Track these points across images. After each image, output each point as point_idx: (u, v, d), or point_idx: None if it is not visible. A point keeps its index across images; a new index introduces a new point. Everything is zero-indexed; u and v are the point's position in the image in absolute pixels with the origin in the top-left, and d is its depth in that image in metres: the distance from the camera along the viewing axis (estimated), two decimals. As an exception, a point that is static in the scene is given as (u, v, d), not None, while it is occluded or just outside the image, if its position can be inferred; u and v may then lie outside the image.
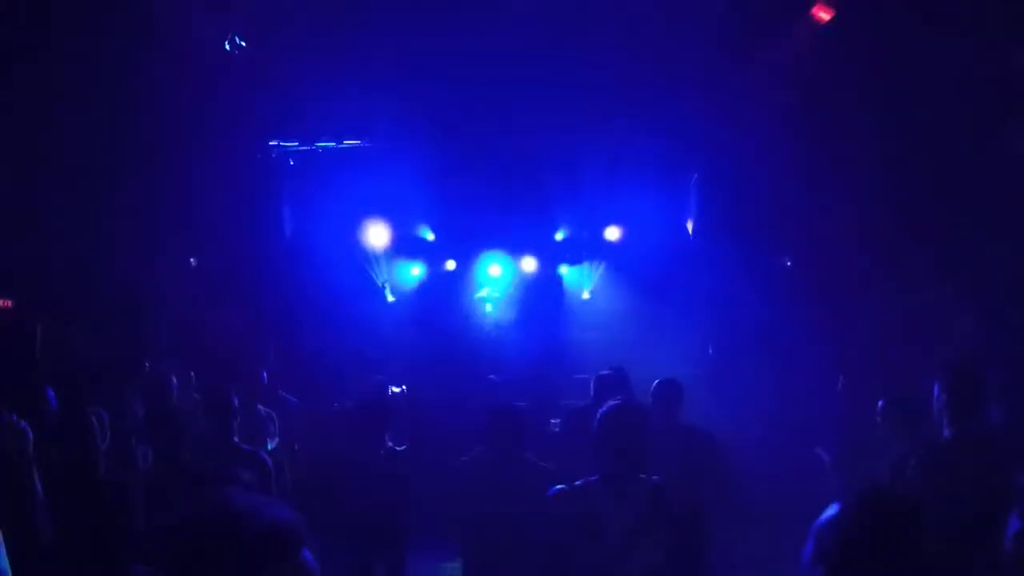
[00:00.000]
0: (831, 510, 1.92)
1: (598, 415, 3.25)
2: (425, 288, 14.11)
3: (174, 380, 6.81)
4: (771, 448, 7.83)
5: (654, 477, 3.19)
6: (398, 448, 5.40)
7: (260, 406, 6.98)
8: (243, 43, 8.10)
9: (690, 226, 11.69)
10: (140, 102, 8.40)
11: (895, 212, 9.25)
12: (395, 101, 9.69)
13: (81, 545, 3.41)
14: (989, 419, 4.16)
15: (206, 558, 1.45)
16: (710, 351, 11.32)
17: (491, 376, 9.36)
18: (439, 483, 5.21)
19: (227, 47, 8.09)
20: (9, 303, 8.87)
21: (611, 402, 3.30)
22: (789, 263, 10.89)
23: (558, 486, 3.21)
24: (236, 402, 4.52)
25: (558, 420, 7.42)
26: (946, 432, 4.00)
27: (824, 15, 8.26)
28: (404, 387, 7.74)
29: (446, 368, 11.52)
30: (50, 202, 8.57)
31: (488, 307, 13.89)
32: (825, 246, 10.21)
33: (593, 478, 3.19)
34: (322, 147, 11.53)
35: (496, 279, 13.86)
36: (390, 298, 14.09)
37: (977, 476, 3.67)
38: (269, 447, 6.63)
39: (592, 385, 6.48)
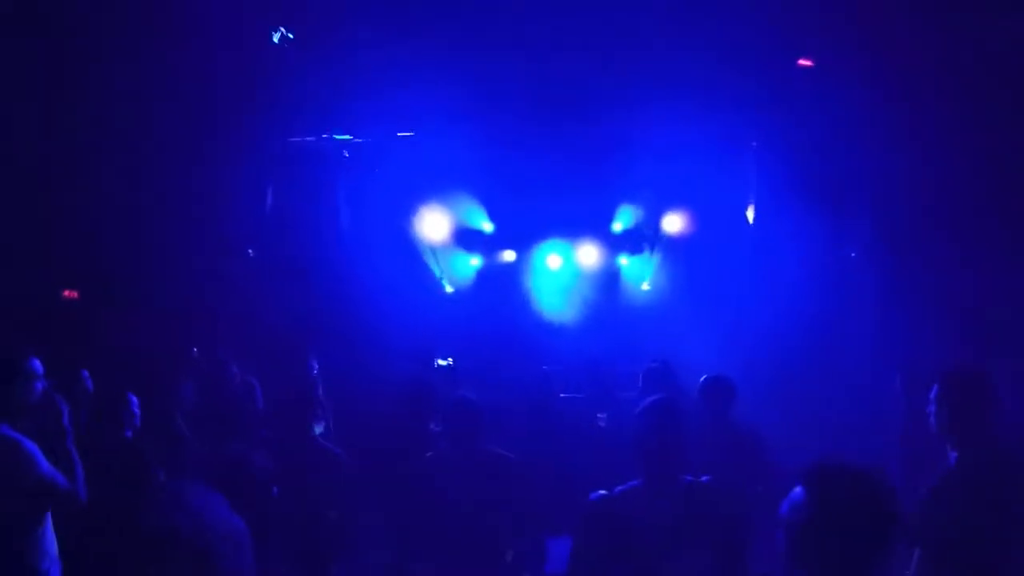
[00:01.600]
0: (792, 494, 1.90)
1: (636, 413, 3.13)
2: (483, 279, 14.08)
3: (234, 369, 6.89)
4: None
5: (703, 478, 3.07)
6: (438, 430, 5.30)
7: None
8: (291, 36, 8.15)
9: (750, 214, 11.28)
10: (194, 97, 8.54)
11: (975, 197, 8.72)
12: (449, 88, 9.62)
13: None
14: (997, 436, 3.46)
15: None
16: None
17: (544, 366, 9.28)
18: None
19: (276, 40, 8.15)
20: (76, 294, 9.20)
21: (649, 399, 3.18)
22: (853, 255, 10.37)
23: (599, 492, 3.08)
24: (320, 394, 4.53)
25: (605, 415, 7.24)
26: (951, 455, 3.46)
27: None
28: (450, 360, 7.68)
29: (500, 357, 11.46)
30: (112, 198, 8.81)
31: (544, 298, 13.79)
32: (898, 234, 9.73)
33: (635, 483, 3.07)
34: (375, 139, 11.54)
35: (554, 270, 13.75)
36: (448, 289, 14.14)
37: (993, 509, 3.20)
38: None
39: (640, 378, 6.32)
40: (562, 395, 8.89)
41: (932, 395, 3.57)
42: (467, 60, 9.15)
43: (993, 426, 3.41)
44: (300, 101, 9.71)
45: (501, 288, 13.99)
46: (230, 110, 9.09)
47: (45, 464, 3.41)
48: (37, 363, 3.71)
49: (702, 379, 5.15)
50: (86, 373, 4.96)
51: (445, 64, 9.12)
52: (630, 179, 12.05)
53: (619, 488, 3.09)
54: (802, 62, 9.02)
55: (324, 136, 11.28)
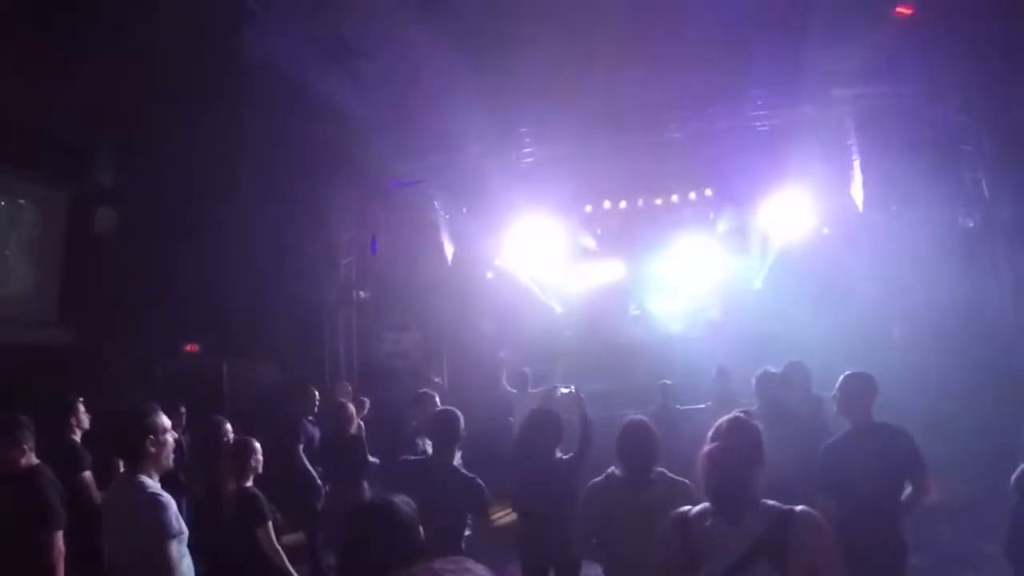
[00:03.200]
0: None
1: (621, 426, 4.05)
2: (592, 296, 13.99)
3: (351, 407, 7.06)
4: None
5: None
6: (564, 456, 5.21)
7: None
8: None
9: (858, 198, 10.71)
10: (294, 156, 8.92)
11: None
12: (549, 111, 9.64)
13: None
14: None
15: None
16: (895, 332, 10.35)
17: (665, 380, 9.13)
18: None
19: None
20: (196, 347, 9.71)
21: (628, 418, 4.05)
22: (972, 223, 9.62)
23: (679, 510, 2.91)
24: (462, 427, 4.55)
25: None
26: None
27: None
28: (573, 387, 7.61)
29: (614, 373, 11.33)
30: (228, 257, 9.26)
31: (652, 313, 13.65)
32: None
33: (617, 472, 3.89)
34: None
35: (659, 286, 13.57)
36: (558, 309, 14.11)
37: None
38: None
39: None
40: (680, 407, 8.70)
41: None
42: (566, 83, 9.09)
43: None
44: (399, 142, 9.94)
45: (609, 304, 13.92)
46: (333, 163, 9.45)
47: (175, 517, 3.39)
48: (165, 418, 3.70)
49: (842, 377, 4.78)
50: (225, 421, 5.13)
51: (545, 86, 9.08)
52: (730, 181, 11.70)
53: (694, 509, 2.97)
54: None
55: (421, 180, 11.45)
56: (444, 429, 4.47)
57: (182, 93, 7.75)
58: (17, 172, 8.33)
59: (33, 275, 8.72)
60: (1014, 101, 8.23)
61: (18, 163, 8.18)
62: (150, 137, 8.63)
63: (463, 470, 4.42)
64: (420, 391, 6.80)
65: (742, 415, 2.93)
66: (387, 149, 10.05)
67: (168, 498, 3.44)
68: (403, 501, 2.58)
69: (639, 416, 4.06)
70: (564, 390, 8.15)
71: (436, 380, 10.85)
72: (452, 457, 4.43)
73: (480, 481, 4.30)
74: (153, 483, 3.48)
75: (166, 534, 3.33)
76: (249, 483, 4.46)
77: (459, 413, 4.61)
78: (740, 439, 2.78)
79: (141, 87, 7.68)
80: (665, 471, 3.90)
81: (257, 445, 4.60)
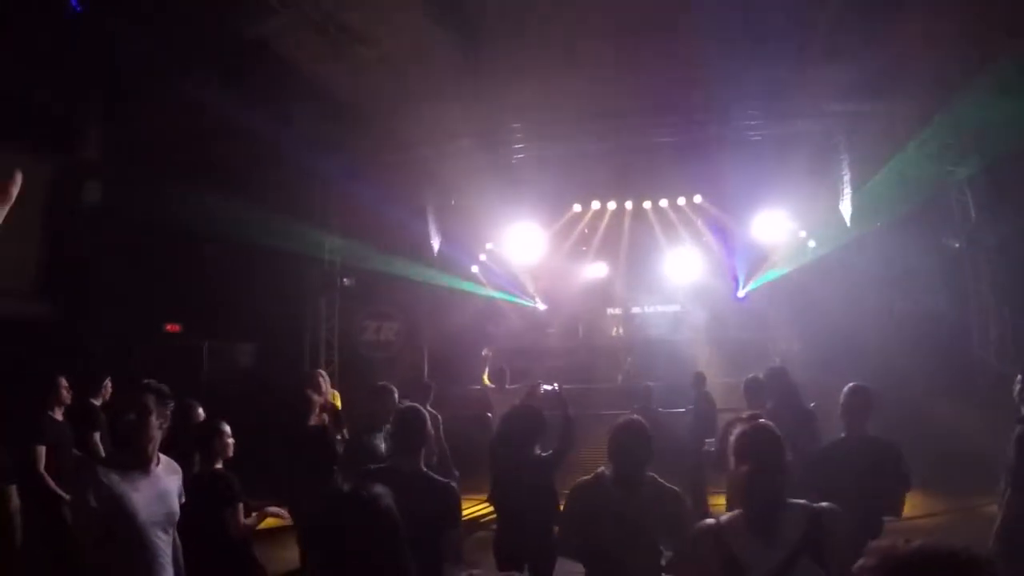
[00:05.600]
0: None
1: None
2: (576, 295, 14.01)
3: (314, 398, 6.92)
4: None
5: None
6: (544, 453, 5.17)
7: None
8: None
9: (844, 212, 10.75)
10: (283, 137, 8.87)
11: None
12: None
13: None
14: None
15: None
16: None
17: (648, 383, 9.15)
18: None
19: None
20: (178, 327, 9.64)
21: (620, 420, 3.77)
22: (957, 244, 9.73)
23: (706, 521, 2.93)
24: (429, 428, 4.21)
25: (714, 441, 6.97)
26: None
27: None
28: (556, 385, 7.57)
29: (595, 373, 11.34)
30: (213, 238, 9.19)
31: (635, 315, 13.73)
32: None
33: (607, 472, 3.73)
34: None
35: (643, 289, 13.64)
36: (541, 307, 14.12)
37: None
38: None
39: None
40: (661, 410, 8.73)
41: None
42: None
43: None
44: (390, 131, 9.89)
45: (595, 302, 13.95)
46: (322, 147, 9.40)
47: None
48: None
49: (846, 389, 4.83)
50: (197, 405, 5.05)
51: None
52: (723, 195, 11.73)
53: (723, 517, 3.02)
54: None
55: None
56: (408, 431, 4.05)
57: (172, 70, 7.64)
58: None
59: (12, 248, 8.59)
60: (1003, 126, 8.30)
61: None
62: (136, 114, 8.53)
63: (434, 475, 4.02)
64: (378, 384, 6.34)
65: (762, 422, 2.97)
66: (378, 137, 10.00)
67: None
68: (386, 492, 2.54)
69: (634, 416, 3.90)
70: (547, 387, 8.11)
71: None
72: (419, 461, 4.01)
73: (454, 485, 3.94)
74: None
75: None
76: (218, 465, 4.35)
77: (424, 411, 4.33)
78: (768, 460, 2.84)
79: (130, 62, 7.58)
80: (656, 476, 3.76)
81: (226, 428, 4.49)
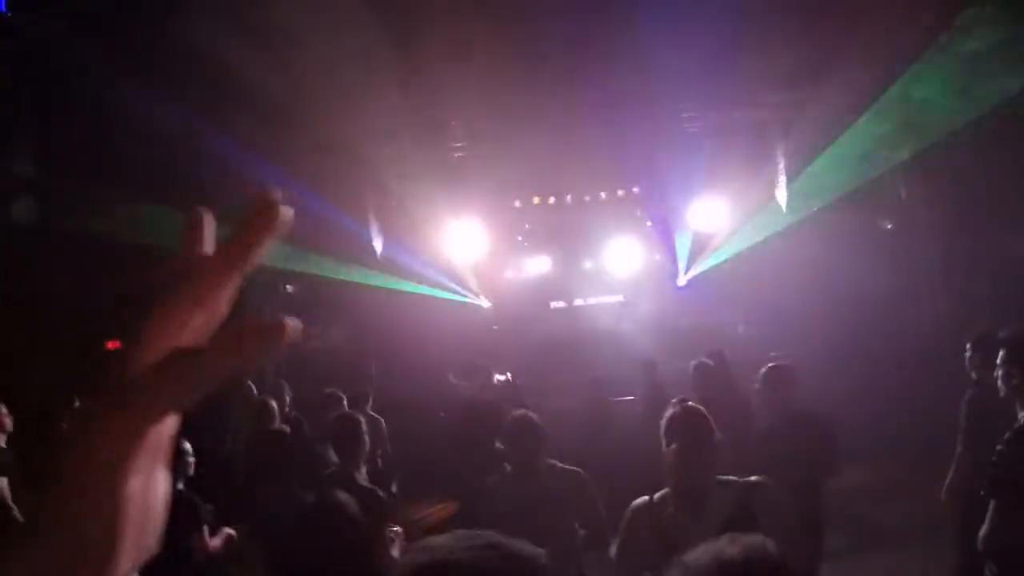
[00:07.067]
0: None
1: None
2: (519, 291, 14.06)
3: (273, 405, 6.85)
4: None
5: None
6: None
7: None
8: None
9: (781, 198, 11.05)
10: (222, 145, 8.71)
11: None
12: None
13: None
14: None
15: None
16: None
17: (595, 374, 9.22)
18: None
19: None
20: (119, 344, 9.34)
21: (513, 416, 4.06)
22: (890, 225, 10.14)
23: (641, 500, 3.03)
24: (366, 434, 4.21)
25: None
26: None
27: None
28: (508, 375, 7.60)
29: (543, 367, 11.40)
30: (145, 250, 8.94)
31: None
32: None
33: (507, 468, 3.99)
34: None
35: (586, 282, 13.77)
36: (485, 304, 14.12)
37: None
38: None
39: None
40: (612, 399, 8.82)
41: (1001, 359, 3.91)
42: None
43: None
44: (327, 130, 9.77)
45: (542, 297, 14.02)
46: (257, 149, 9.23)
47: None
48: None
49: (764, 368, 5.06)
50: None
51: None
52: (659, 177, 11.90)
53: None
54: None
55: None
56: (345, 438, 4.12)
57: (112, 78, 7.41)
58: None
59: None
60: (938, 112, 8.64)
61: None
62: (75, 124, 8.24)
63: (367, 484, 4.03)
64: (326, 391, 6.25)
65: (691, 404, 3.04)
66: (314, 139, 9.86)
67: None
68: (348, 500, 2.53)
69: (524, 411, 4.15)
70: (500, 377, 8.12)
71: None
72: (358, 468, 4.08)
73: (380, 492, 3.97)
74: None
75: None
76: (180, 486, 4.22)
77: (361, 418, 4.30)
78: (696, 436, 2.93)
79: (66, 70, 7.33)
80: (556, 463, 3.94)
81: (187, 446, 4.37)
